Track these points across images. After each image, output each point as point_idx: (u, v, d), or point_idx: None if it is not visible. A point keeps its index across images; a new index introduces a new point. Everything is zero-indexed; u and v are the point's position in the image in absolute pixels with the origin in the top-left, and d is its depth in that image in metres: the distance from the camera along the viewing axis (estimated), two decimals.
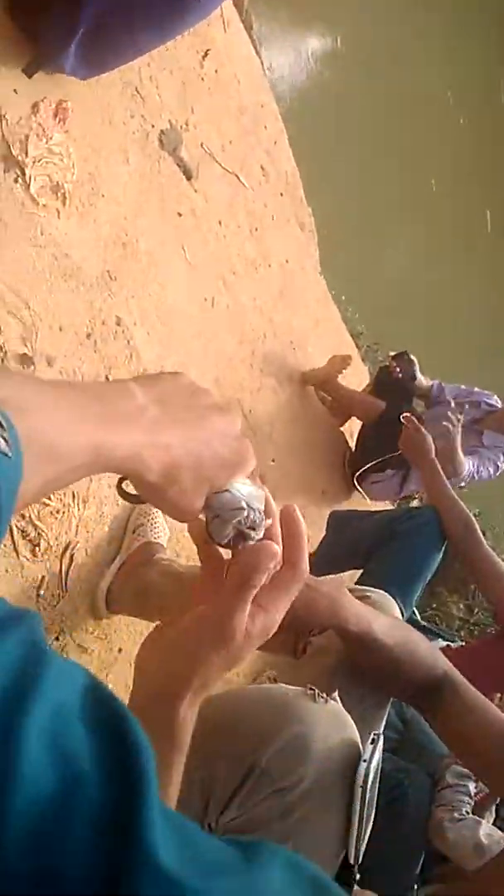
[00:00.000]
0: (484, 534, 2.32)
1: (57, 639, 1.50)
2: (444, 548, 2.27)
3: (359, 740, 1.01)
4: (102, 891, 0.31)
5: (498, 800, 1.84)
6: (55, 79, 1.85)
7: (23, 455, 0.45)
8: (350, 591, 1.26)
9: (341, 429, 3.76)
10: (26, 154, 1.72)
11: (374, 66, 6.29)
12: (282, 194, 3.51)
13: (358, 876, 1.01)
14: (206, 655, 0.60)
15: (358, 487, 3.52)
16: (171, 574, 1.53)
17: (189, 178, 2.58)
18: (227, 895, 0.35)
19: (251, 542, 0.63)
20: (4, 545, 1.39)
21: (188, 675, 0.60)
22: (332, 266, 4.23)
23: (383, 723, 1.23)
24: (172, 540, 1.80)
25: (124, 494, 0.63)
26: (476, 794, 1.82)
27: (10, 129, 1.71)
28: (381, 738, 1.06)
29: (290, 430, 3.12)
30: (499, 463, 3.37)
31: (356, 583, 2.21)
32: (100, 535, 1.65)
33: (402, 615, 1.87)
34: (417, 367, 3.56)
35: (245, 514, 0.61)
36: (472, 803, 1.80)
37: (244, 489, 0.62)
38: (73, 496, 1.57)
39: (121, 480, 0.62)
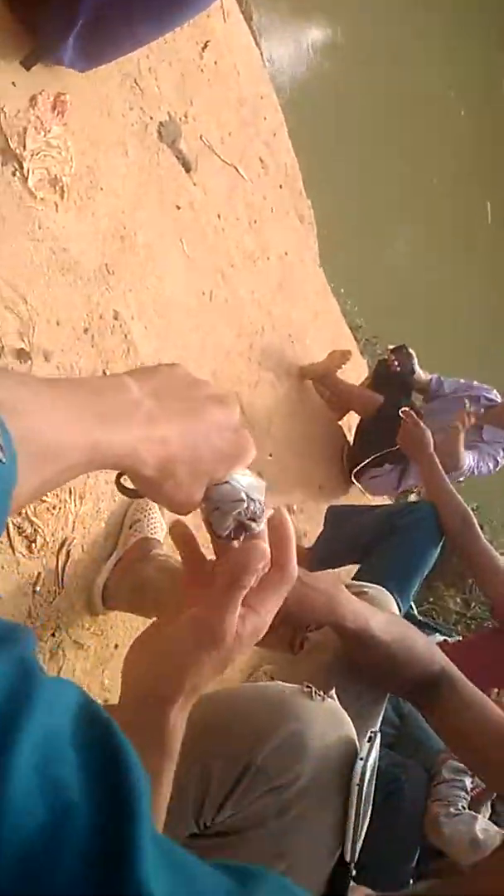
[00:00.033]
0: (482, 528, 2.32)
1: (53, 635, 1.50)
2: (441, 542, 2.28)
3: (356, 738, 1.01)
4: None
5: (494, 795, 1.85)
6: (54, 71, 1.84)
7: (17, 457, 0.44)
8: (347, 586, 1.25)
9: (339, 423, 3.75)
10: (24, 147, 1.71)
11: (375, 57, 6.26)
12: (281, 186, 3.50)
13: (354, 873, 1.01)
14: (196, 658, 0.59)
15: (356, 483, 3.52)
16: (168, 569, 1.53)
17: (188, 170, 2.57)
18: None
19: (253, 533, 0.63)
20: (0, 542, 1.38)
21: (179, 678, 0.59)
22: (332, 258, 4.22)
23: (380, 719, 1.23)
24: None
25: (123, 489, 0.63)
26: (472, 790, 1.83)
27: (8, 121, 1.70)
28: (378, 735, 1.06)
29: (287, 425, 3.12)
30: (498, 458, 3.37)
31: (353, 578, 2.21)
32: (96, 531, 1.64)
33: (400, 610, 1.88)
34: (416, 361, 3.55)
35: (245, 505, 0.61)
36: (469, 799, 1.81)
37: (244, 480, 0.62)
38: (70, 492, 1.57)
39: (119, 475, 0.62)
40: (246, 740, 0.92)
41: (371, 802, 1.00)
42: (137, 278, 2.08)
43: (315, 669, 1.19)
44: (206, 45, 2.82)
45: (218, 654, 0.59)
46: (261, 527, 0.63)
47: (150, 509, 1.71)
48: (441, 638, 2.47)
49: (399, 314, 5.68)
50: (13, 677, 0.34)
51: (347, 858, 0.96)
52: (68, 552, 1.54)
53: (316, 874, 0.97)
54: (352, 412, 3.67)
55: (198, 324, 2.43)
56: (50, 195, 1.79)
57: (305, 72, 5.57)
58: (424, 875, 1.80)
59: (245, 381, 2.82)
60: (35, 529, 1.46)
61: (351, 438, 3.68)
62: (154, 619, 0.67)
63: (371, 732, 1.04)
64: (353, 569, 2.37)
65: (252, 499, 0.62)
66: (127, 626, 1.67)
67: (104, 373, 1.80)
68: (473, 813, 1.76)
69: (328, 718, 0.98)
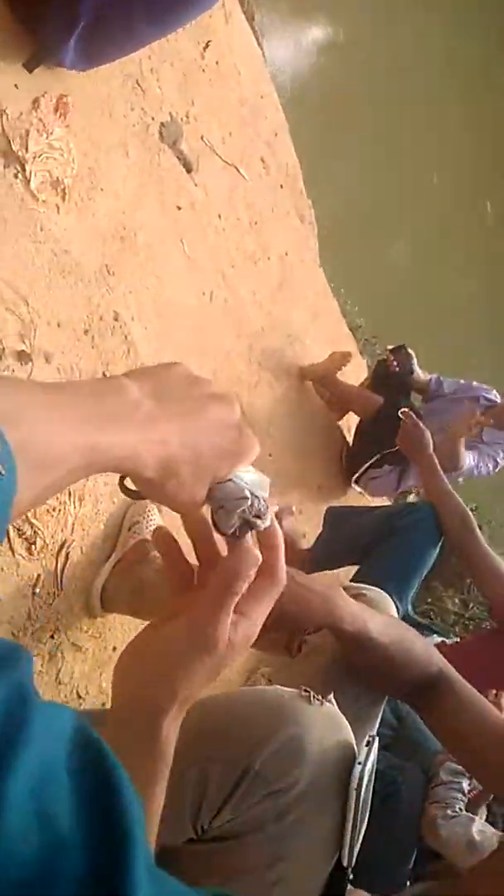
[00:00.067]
0: (481, 528, 2.33)
1: (52, 637, 1.50)
2: (440, 543, 2.28)
3: (354, 742, 1.01)
4: None
5: (491, 797, 1.85)
6: (55, 73, 1.84)
7: (17, 466, 0.45)
8: (345, 588, 1.26)
9: (339, 424, 3.75)
10: (27, 149, 1.71)
11: (375, 57, 6.25)
12: (282, 186, 3.50)
13: (351, 876, 1.01)
14: (189, 664, 0.59)
15: (355, 486, 3.52)
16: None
17: (189, 170, 2.57)
18: None
19: (259, 531, 0.62)
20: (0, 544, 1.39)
21: (172, 685, 0.59)
22: (332, 258, 4.21)
23: (378, 721, 1.23)
24: None
25: (126, 490, 0.62)
26: (470, 792, 1.83)
27: (10, 124, 1.70)
28: (377, 740, 1.06)
29: (287, 425, 3.12)
30: (498, 459, 3.37)
31: (352, 579, 2.21)
32: (95, 533, 1.64)
33: (398, 612, 1.88)
34: (415, 361, 3.55)
35: (249, 502, 0.61)
36: (466, 800, 1.81)
37: (247, 477, 0.61)
38: (70, 494, 1.57)
39: (122, 477, 0.62)
40: (244, 744, 0.92)
41: (369, 807, 1.00)
42: (138, 279, 2.08)
43: (313, 672, 1.19)
44: (207, 45, 2.82)
45: (211, 660, 0.59)
46: (266, 523, 0.62)
47: (148, 511, 1.71)
48: (439, 639, 2.47)
49: (399, 314, 5.68)
50: (10, 702, 0.34)
51: (345, 863, 0.96)
52: (67, 554, 1.55)
53: (313, 878, 0.98)
54: (351, 413, 3.67)
55: (198, 324, 2.43)
56: (52, 197, 1.79)
57: (306, 72, 5.56)
58: (421, 877, 1.81)
59: (245, 381, 2.82)
60: (35, 531, 1.46)
61: (350, 439, 3.68)
62: (151, 621, 0.67)
63: (369, 737, 1.05)
64: (352, 570, 2.38)
65: (256, 496, 0.61)
66: (125, 629, 1.68)
67: (104, 374, 1.80)
68: (470, 815, 1.77)
69: (327, 723, 0.98)
